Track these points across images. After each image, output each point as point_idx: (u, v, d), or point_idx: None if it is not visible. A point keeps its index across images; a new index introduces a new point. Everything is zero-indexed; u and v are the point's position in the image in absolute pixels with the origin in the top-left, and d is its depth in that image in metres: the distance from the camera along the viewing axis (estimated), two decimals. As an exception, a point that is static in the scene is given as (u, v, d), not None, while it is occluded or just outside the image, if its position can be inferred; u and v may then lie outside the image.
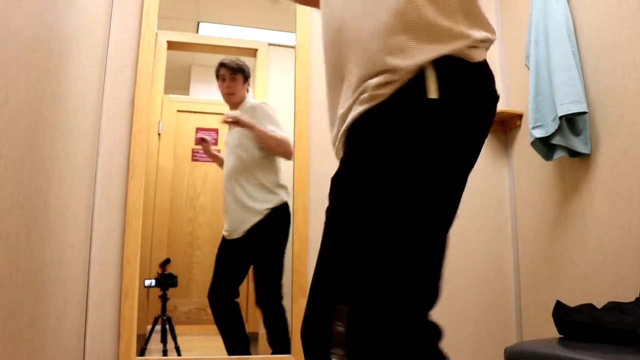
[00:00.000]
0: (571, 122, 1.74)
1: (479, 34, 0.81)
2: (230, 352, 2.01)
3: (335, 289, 0.76)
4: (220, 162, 2.20)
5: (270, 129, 2.15)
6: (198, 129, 2.26)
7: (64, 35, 1.37)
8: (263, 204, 2.10)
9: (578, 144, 1.73)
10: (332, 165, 2.27)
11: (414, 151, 0.74)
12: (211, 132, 2.26)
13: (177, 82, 2.29)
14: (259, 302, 2.08)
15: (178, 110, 2.27)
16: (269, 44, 2.29)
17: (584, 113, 1.69)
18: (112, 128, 1.90)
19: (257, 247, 2.09)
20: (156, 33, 2.02)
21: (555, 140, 1.74)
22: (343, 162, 0.81)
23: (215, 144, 2.24)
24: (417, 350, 0.77)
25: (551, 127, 1.74)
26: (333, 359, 0.74)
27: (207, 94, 2.38)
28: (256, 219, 2.10)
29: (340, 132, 0.83)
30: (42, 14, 1.17)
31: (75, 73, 1.52)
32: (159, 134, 2.18)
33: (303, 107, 2.11)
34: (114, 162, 1.88)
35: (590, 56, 1.76)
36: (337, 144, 0.87)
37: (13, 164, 1.00)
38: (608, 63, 1.68)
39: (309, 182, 2.07)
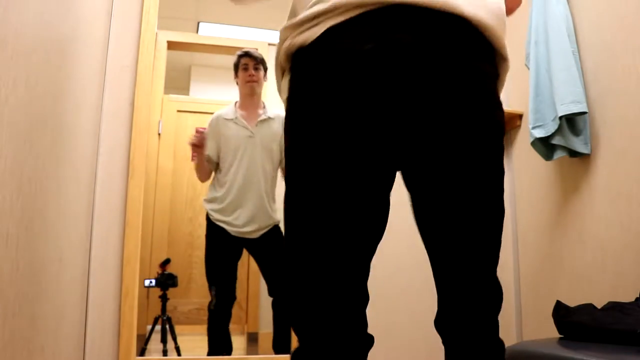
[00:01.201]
0: (571, 122, 1.74)
1: (291, 22, 0.81)
2: (213, 352, 2.01)
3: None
4: (200, 160, 2.16)
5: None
6: (198, 129, 2.27)
7: (64, 35, 1.37)
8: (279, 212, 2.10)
9: (578, 144, 1.73)
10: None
11: (287, 150, 0.81)
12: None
13: (177, 82, 2.29)
14: (271, 292, 2.07)
15: (178, 110, 2.28)
16: (269, 44, 2.30)
17: (584, 113, 1.69)
18: (112, 128, 1.90)
19: (273, 250, 2.08)
20: (156, 33, 2.02)
21: (555, 140, 1.74)
22: None
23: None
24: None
25: (551, 127, 1.74)
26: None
27: (207, 94, 2.38)
28: (272, 223, 2.10)
29: None
30: (42, 14, 1.17)
31: (75, 73, 1.52)
32: (159, 134, 2.18)
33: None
34: (114, 162, 1.88)
35: (590, 56, 1.76)
36: None
37: (13, 164, 1.00)
38: (608, 63, 1.68)
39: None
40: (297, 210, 0.78)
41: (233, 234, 2.08)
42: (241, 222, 2.10)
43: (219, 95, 2.36)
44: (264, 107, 2.21)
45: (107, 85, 1.91)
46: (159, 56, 2.12)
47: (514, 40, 2.15)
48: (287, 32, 0.82)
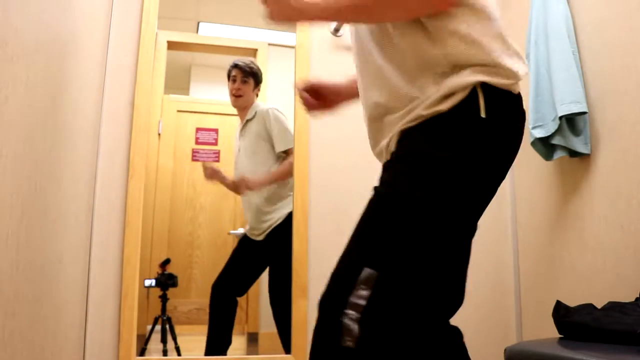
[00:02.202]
0: (571, 122, 1.74)
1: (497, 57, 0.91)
2: (210, 350, 2.01)
3: (367, 256, 0.80)
4: (230, 184, 2.20)
5: (277, 138, 2.15)
6: (198, 129, 2.26)
7: (64, 35, 1.37)
8: (281, 210, 2.11)
9: (578, 144, 1.73)
10: (331, 165, 2.28)
11: (463, 160, 0.84)
12: (211, 132, 2.27)
13: (177, 82, 2.29)
14: (273, 303, 2.09)
15: (178, 110, 2.27)
16: (269, 44, 2.29)
17: (584, 113, 1.69)
18: (112, 128, 1.90)
19: (276, 250, 2.09)
20: (156, 33, 2.02)
21: (555, 140, 1.74)
22: (399, 157, 0.89)
23: (215, 144, 2.23)
24: (425, 342, 0.83)
25: (551, 127, 1.74)
26: (344, 320, 0.76)
27: (207, 94, 2.38)
28: (275, 222, 2.10)
29: (413, 113, 0.90)
30: (42, 14, 1.17)
31: (75, 73, 1.52)
32: (159, 134, 2.18)
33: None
34: (114, 162, 1.88)
35: (590, 56, 1.76)
36: (386, 147, 0.94)
37: (13, 164, 1.00)
38: (608, 63, 1.68)
39: (309, 182, 2.07)
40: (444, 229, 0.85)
41: (251, 237, 2.14)
42: (248, 228, 2.14)
43: (219, 95, 2.35)
44: (247, 111, 2.23)
45: (107, 85, 1.91)
46: (159, 56, 2.12)
47: (514, 39, 2.15)
48: (509, 65, 0.90)
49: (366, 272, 0.78)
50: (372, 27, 0.96)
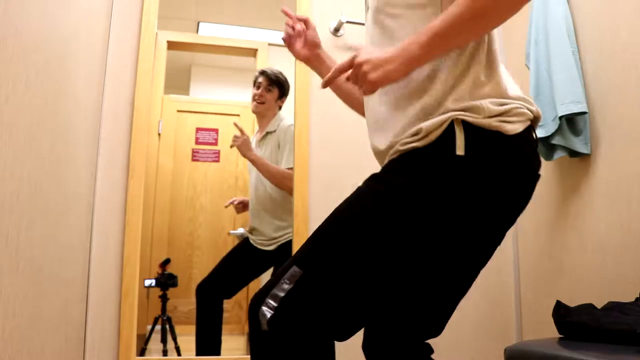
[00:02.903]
0: (571, 122, 1.74)
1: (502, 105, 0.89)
2: (201, 350, 2.01)
3: (298, 257, 0.88)
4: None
5: (288, 154, 2.15)
6: (198, 129, 2.26)
7: (64, 35, 1.37)
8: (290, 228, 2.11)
9: (578, 144, 1.73)
10: (332, 165, 2.27)
11: (423, 190, 0.85)
12: (211, 132, 2.27)
13: (177, 82, 2.29)
14: None
15: (178, 110, 2.27)
16: (269, 44, 2.29)
17: (584, 113, 1.69)
18: (112, 128, 1.90)
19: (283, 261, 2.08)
20: (156, 33, 2.02)
21: (555, 140, 1.74)
22: (384, 177, 0.90)
23: (215, 144, 2.24)
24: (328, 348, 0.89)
25: (551, 127, 1.74)
26: (263, 307, 0.86)
27: (207, 94, 2.38)
28: (285, 239, 2.09)
29: (393, 149, 0.92)
30: (42, 14, 1.17)
31: (76, 73, 1.52)
32: (159, 134, 2.18)
33: (303, 107, 2.11)
34: (114, 162, 1.88)
35: (590, 56, 1.76)
36: (388, 153, 0.95)
37: (13, 164, 1.00)
38: (608, 63, 1.68)
39: (309, 182, 2.07)
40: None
41: (254, 244, 2.14)
42: (259, 241, 2.13)
43: (219, 95, 2.35)
44: (269, 122, 2.21)
45: (107, 85, 1.91)
46: (159, 56, 2.12)
47: (514, 40, 2.15)
48: (490, 108, 0.87)
49: (293, 269, 0.86)
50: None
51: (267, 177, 2.14)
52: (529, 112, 0.91)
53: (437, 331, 0.97)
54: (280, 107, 2.22)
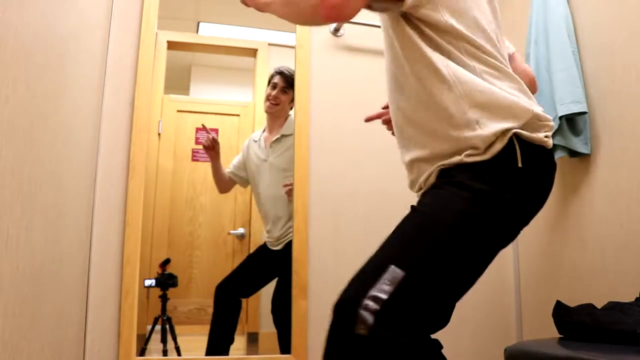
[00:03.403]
0: (571, 122, 1.74)
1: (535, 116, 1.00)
2: (212, 349, 2.01)
3: (396, 257, 0.87)
4: (214, 167, 2.17)
5: None
6: (198, 129, 2.26)
7: (64, 35, 1.37)
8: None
9: (578, 144, 1.73)
10: (332, 165, 2.27)
11: (497, 194, 0.94)
12: (211, 132, 2.26)
13: (177, 82, 2.29)
14: (274, 311, 2.09)
15: (178, 110, 2.27)
16: (269, 44, 2.29)
17: (584, 113, 1.69)
18: (112, 128, 1.90)
19: (289, 262, 2.07)
20: (156, 33, 2.02)
21: (555, 140, 1.74)
22: (461, 183, 0.97)
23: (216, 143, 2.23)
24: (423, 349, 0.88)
25: (551, 127, 1.74)
26: (360, 310, 0.81)
27: (207, 94, 2.38)
28: (289, 237, 2.09)
29: (432, 170, 1.02)
30: (42, 14, 1.17)
31: (75, 73, 1.52)
32: (159, 134, 2.18)
33: (303, 107, 2.11)
34: (114, 162, 1.88)
35: (590, 56, 1.76)
36: (425, 180, 1.05)
37: (13, 164, 1.00)
38: (608, 63, 1.68)
39: (309, 182, 2.07)
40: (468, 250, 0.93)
41: (270, 247, 2.14)
42: (267, 236, 2.13)
43: (219, 95, 2.36)
44: (284, 124, 2.20)
45: (107, 85, 1.91)
46: (159, 56, 2.12)
47: (514, 39, 2.15)
48: (538, 118, 1.00)
49: (393, 269, 0.84)
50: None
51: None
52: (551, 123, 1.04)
53: (448, 320, 0.98)
54: (291, 108, 2.20)
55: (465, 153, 0.96)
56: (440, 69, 0.98)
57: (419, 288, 0.85)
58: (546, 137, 1.00)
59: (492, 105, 0.96)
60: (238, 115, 2.27)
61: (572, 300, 1.56)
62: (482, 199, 0.93)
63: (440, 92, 0.98)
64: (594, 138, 1.73)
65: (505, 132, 0.95)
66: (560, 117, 1.69)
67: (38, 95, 1.15)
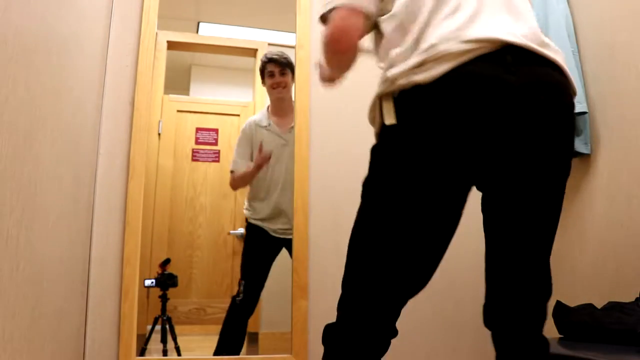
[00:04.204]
0: (571, 122, 1.75)
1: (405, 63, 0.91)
2: (223, 351, 2.01)
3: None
4: (253, 174, 2.17)
5: None
6: (198, 129, 2.26)
7: (64, 35, 1.37)
8: None
9: (578, 144, 1.73)
10: (332, 165, 2.27)
11: (376, 170, 0.94)
12: (211, 132, 2.26)
13: (177, 82, 2.29)
14: None
15: (178, 110, 2.28)
16: (269, 44, 2.29)
17: (584, 113, 1.69)
18: (112, 128, 1.90)
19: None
20: (156, 33, 2.02)
21: (555, 140, 1.74)
22: None
23: (215, 144, 2.23)
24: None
25: (551, 127, 1.74)
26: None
27: (207, 94, 2.38)
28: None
29: None
30: (42, 14, 1.17)
31: (76, 73, 1.52)
32: (159, 134, 2.18)
33: (303, 107, 2.11)
34: (114, 162, 1.88)
35: (590, 56, 1.76)
36: None
37: (13, 164, 1.00)
38: (608, 63, 1.68)
39: (309, 182, 2.07)
40: (385, 222, 0.92)
41: (272, 234, 2.12)
42: (280, 228, 2.12)
43: (219, 95, 2.36)
44: (293, 110, 2.20)
45: (107, 85, 1.91)
46: (159, 56, 2.12)
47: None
48: (400, 72, 0.91)
49: None
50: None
51: None
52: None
53: (420, 284, 0.97)
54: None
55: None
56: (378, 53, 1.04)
57: (346, 268, 0.96)
58: (417, 69, 0.89)
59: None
60: (238, 115, 2.27)
61: (572, 300, 1.56)
62: (371, 171, 0.96)
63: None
64: (594, 138, 1.73)
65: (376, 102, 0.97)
66: (560, 117, 1.70)
67: (38, 95, 1.15)
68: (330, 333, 0.94)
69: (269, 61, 2.19)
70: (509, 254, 0.95)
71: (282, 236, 2.11)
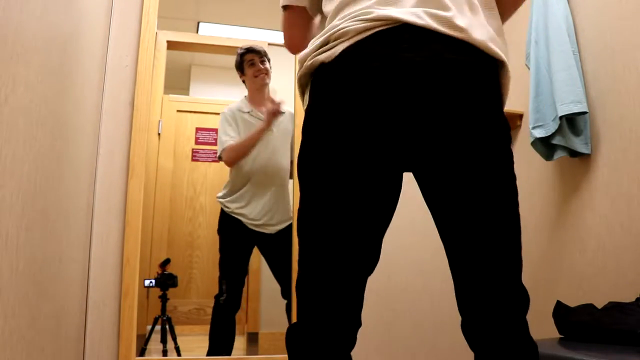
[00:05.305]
0: (571, 122, 1.74)
1: (312, 44, 0.94)
2: (216, 352, 2.01)
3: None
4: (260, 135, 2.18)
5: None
6: (198, 129, 2.27)
7: (64, 35, 1.37)
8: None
9: (578, 144, 1.73)
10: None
11: (303, 152, 0.93)
12: (211, 132, 2.27)
13: (177, 82, 2.29)
14: (285, 294, 2.08)
15: (178, 110, 2.28)
16: (269, 44, 2.30)
17: (585, 113, 1.69)
18: (112, 128, 1.90)
19: (285, 247, 2.06)
20: (156, 33, 2.02)
21: (556, 140, 1.74)
22: None
23: (215, 143, 2.23)
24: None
25: (551, 127, 1.74)
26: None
27: (207, 93, 2.38)
28: (289, 219, 2.09)
29: None
30: (42, 14, 1.17)
31: (75, 73, 1.52)
32: (159, 134, 2.18)
33: (303, 106, 2.11)
34: (114, 162, 1.88)
35: (590, 56, 1.76)
36: None
37: (13, 164, 1.00)
38: (608, 63, 1.68)
39: (309, 182, 2.07)
40: (309, 206, 0.90)
41: (249, 226, 2.10)
42: (257, 214, 2.11)
43: (219, 95, 2.36)
44: (280, 100, 2.23)
45: (107, 85, 1.91)
46: (159, 56, 2.12)
47: (514, 39, 2.15)
48: (308, 53, 0.94)
49: None
50: None
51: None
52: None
53: (370, 260, 0.91)
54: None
55: None
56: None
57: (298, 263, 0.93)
58: (322, 49, 0.91)
59: None
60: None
61: (572, 300, 1.56)
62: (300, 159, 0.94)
63: None
64: (595, 138, 1.73)
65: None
66: (561, 117, 1.69)
67: (38, 95, 1.15)
68: (293, 334, 0.88)
69: (247, 52, 2.24)
70: (464, 252, 0.87)
71: (258, 229, 2.10)
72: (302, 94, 1.02)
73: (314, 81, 0.93)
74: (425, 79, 0.84)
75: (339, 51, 0.88)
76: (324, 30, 0.93)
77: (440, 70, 0.84)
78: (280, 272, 2.08)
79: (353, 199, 0.86)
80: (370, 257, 0.90)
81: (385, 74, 0.85)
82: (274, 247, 2.11)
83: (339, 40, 0.89)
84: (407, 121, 0.85)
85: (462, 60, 0.85)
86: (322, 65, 0.90)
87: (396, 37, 0.86)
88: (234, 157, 2.14)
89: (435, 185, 0.87)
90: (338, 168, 0.86)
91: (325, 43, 0.91)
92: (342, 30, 0.89)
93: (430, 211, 0.92)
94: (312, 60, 0.92)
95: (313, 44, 0.94)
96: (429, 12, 0.87)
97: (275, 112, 2.17)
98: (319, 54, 0.91)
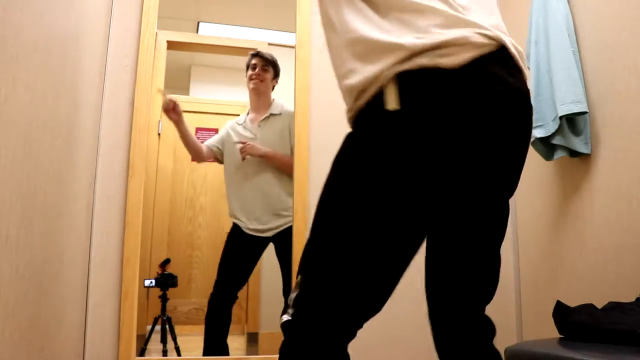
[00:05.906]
0: (571, 122, 1.74)
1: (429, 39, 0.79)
2: (208, 345, 2.01)
3: (301, 262, 0.89)
4: (181, 131, 2.18)
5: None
6: (198, 129, 2.26)
7: (64, 35, 1.37)
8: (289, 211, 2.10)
9: (578, 144, 1.73)
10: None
11: (367, 161, 0.81)
12: (211, 132, 2.27)
13: (177, 82, 2.29)
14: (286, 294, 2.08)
15: (178, 110, 2.27)
16: (269, 44, 2.29)
17: (585, 113, 1.69)
18: (112, 128, 1.90)
19: (287, 249, 2.06)
20: (156, 33, 2.02)
21: (556, 140, 1.74)
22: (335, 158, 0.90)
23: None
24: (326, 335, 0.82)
25: (551, 127, 1.74)
26: (283, 317, 0.84)
27: (207, 94, 2.38)
28: (285, 223, 2.09)
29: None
30: (42, 14, 1.17)
31: (75, 73, 1.52)
32: (159, 134, 2.18)
33: (303, 107, 2.11)
34: (114, 162, 1.88)
35: (591, 56, 1.76)
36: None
37: (13, 164, 1.00)
38: (608, 63, 1.68)
39: (309, 182, 2.07)
40: (365, 206, 0.81)
41: (246, 231, 2.12)
42: (249, 222, 2.13)
43: (219, 95, 2.36)
44: (271, 104, 2.23)
45: (107, 85, 1.91)
46: (159, 56, 2.12)
47: (514, 40, 2.15)
48: (415, 46, 0.79)
49: (297, 278, 0.90)
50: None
51: (281, 167, 2.15)
52: None
53: (375, 308, 0.91)
54: (273, 87, 2.27)
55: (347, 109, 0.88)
56: (331, 15, 0.88)
57: (313, 286, 0.86)
58: (446, 56, 0.78)
59: (368, 49, 0.81)
60: (238, 115, 2.27)
61: (572, 300, 1.56)
62: (348, 165, 0.83)
63: (333, 42, 0.89)
64: (595, 138, 1.73)
65: (376, 76, 0.80)
66: (561, 117, 1.69)
67: (38, 95, 1.15)
68: (292, 335, 0.83)
69: (255, 55, 2.26)
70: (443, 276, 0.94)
71: (257, 234, 2.12)
72: (377, 92, 0.81)
73: (424, 85, 0.78)
74: (529, 110, 0.87)
75: (464, 60, 0.78)
76: (433, 31, 0.79)
77: (529, 104, 0.87)
78: (285, 273, 2.08)
79: (420, 223, 0.83)
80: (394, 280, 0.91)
81: (505, 100, 0.81)
82: (277, 250, 2.12)
83: (459, 48, 0.79)
84: (513, 151, 0.85)
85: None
86: (440, 70, 0.78)
87: (505, 61, 0.84)
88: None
89: (456, 218, 0.92)
90: (435, 182, 0.79)
91: (443, 45, 0.78)
92: (465, 39, 0.79)
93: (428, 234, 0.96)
94: (426, 59, 0.78)
95: (416, 39, 0.79)
96: (510, 40, 0.88)
97: (166, 109, 2.17)
98: (438, 56, 0.78)
